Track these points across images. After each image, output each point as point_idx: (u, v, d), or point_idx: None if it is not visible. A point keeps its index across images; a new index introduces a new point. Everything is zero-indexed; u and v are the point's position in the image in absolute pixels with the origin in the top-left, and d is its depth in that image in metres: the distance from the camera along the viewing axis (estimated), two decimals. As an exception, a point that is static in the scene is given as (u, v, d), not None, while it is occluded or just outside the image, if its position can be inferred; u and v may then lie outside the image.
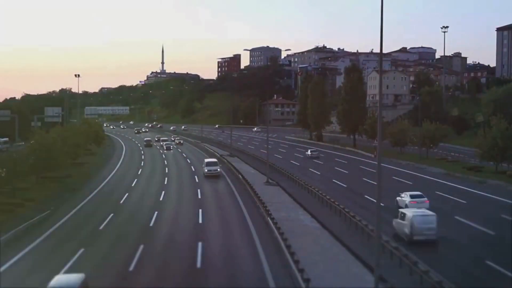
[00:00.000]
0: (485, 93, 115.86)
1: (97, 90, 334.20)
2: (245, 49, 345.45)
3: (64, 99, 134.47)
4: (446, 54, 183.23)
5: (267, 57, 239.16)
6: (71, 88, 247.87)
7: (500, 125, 59.78)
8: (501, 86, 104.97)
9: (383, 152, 58.42)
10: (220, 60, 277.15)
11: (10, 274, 27.35)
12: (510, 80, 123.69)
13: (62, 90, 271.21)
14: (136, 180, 62.83)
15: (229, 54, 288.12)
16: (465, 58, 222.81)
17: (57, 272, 27.07)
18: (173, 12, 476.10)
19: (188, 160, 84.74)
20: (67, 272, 27.17)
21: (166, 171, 70.46)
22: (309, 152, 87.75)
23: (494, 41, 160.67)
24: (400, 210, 33.92)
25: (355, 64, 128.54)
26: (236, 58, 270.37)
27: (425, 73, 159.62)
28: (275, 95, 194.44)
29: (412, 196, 41.01)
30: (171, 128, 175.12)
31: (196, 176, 64.55)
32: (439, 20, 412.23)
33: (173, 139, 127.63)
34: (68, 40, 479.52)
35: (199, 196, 50.66)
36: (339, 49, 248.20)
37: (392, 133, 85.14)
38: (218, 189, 55.09)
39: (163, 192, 53.47)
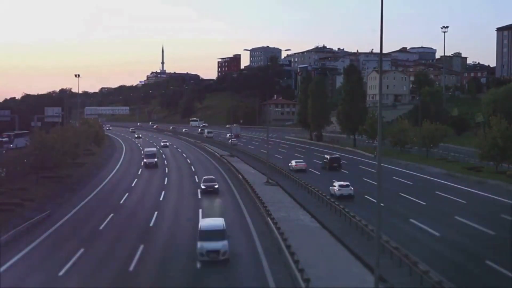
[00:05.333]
0: (485, 93, 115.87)
1: (97, 90, 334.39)
2: (245, 49, 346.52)
3: (64, 99, 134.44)
4: (446, 54, 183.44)
5: (267, 57, 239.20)
6: (71, 88, 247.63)
7: (500, 125, 59.76)
8: (501, 86, 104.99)
9: (383, 152, 58.44)
10: (220, 60, 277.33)
11: (10, 274, 27.35)
12: (510, 80, 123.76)
13: (62, 90, 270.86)
14: (136, 180, 62.79)
15: (229, 54, 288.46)
16: (465, 58, 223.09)
17: (57, 272, 27.19)
18: (173, 11, 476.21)
19: (188, 160, 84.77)
20: (66, 273, 27.25)
21: (166, 171, 70.44)
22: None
23: (494, 41, 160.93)
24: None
25: (354, 65, 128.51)
26: (236, 58, 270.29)
27: (425, 73, 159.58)
28: (275, 95, 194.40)
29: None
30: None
31: (196, 176, 64.50)
32: (439, 20, 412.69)
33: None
34: (68, 40, 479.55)
35: (199, 196, 50.64)
36: (339, 49, 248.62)
37: (392, 133, 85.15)
38: (218, 189, 55.03)
39: (163, 192, 53.46)
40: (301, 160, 71.62)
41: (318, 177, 62.11)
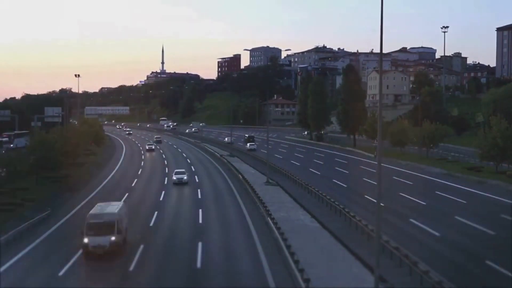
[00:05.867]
0: (485, 93, 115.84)
1: (97, 90, 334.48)
2: (245, 49, 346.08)
3: (64, 99, 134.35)
4: (446, 54, 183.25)
5: (267, 57, 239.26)
6: (71, 88, 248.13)
7: (500, 125, 59.75)
8: (501, 86, 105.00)
9: (383, 152, 58.45)
10: (220, 60, 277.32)
11: (10, 274, 27.37)
12: (510, 80, 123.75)
13: (62, 90, 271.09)
14: (136, 180, 62.82)
15: (229, 54, 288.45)
16: (465, 58, 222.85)
17: (57, 272, 27.23)
18: (173, 11, 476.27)
19: (188, 160, 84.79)
20: (66, 272, 27.25)
21: (166, 171, 70.45)
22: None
23: (494, 41, 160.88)
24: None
25: (352, 65, 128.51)
26: (236, 58, 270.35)
27: (425, 73, 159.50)
28: (275, 95, 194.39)
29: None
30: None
31: (196, 176, 64.57)
32: (439, 20, 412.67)
33: None
34: (68, 40, 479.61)
35: (199, 196, 50.68)
36: (339, 49, 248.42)
37: (392, 133, 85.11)
38: (218, 189, 55.12)
39: (163, 192, 53.47)
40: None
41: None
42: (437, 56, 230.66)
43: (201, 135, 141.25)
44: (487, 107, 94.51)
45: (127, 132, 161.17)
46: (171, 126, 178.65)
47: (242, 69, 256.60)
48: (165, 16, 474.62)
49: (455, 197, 46.80)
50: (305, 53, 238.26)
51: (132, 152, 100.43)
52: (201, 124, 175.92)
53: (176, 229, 37.52)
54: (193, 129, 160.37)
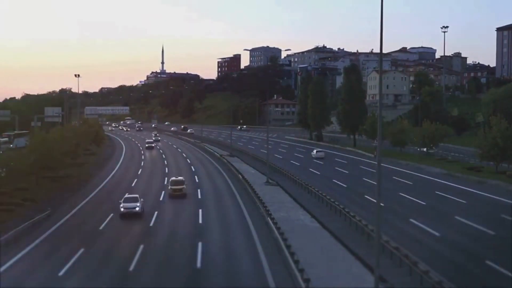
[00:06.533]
0: (485, 93, 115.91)
1: (97, 90, 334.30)
2: (245, 49, 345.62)
3: (64, 99, 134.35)
4: (446, 54, 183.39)
5: (267, 57, 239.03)
6: (71, 88, 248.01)
7: (500, 125, 59.76)
8: (501, 86, 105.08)
9: (383, 152, 58.45)
10: (220, 60, 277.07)
11: (10, 274, 27.37)
12: (510, 80, 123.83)
13: (62, 90, 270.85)
14: (136, 180, 62.79)
15: (229, 54, 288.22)
16: (465, 58, 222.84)
17: (57, 272, 27.18)
18: (173, 11, 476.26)
19: (188, 160, 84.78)
20: (66, 272, 27.25)
21: (166, 171, 70.43)
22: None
23: (494, 41, 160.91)
24: None
25: (354, 64, 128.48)
26: (236, 58, 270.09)
27: (425, 73, 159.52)
28: (275, 95, 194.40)
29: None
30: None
31: (196, 176, 64.55)
32: (439, 20, 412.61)
33: None
34: (68, 40, 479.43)
35: (199, 196, 50.66)
36: (339, 49, 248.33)
37: (392, 133, 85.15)
38: (218, 189, 55.12)
39: (163, 192, 53.43)
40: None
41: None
42: (437, 56, 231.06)
43: (157, 127, 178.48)
44: (487, 107, 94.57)
45: (147, 145, 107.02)
46: (128, 123, 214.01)
47: (242, 69, 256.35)
48: (165, 16, 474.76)
49: (455, 197, 46.81)
50: (305, 53, 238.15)
51: (132, 152, 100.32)
52: (166, 123, 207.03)
53: (176, 229, 37.53)
54: (152, 125, 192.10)
